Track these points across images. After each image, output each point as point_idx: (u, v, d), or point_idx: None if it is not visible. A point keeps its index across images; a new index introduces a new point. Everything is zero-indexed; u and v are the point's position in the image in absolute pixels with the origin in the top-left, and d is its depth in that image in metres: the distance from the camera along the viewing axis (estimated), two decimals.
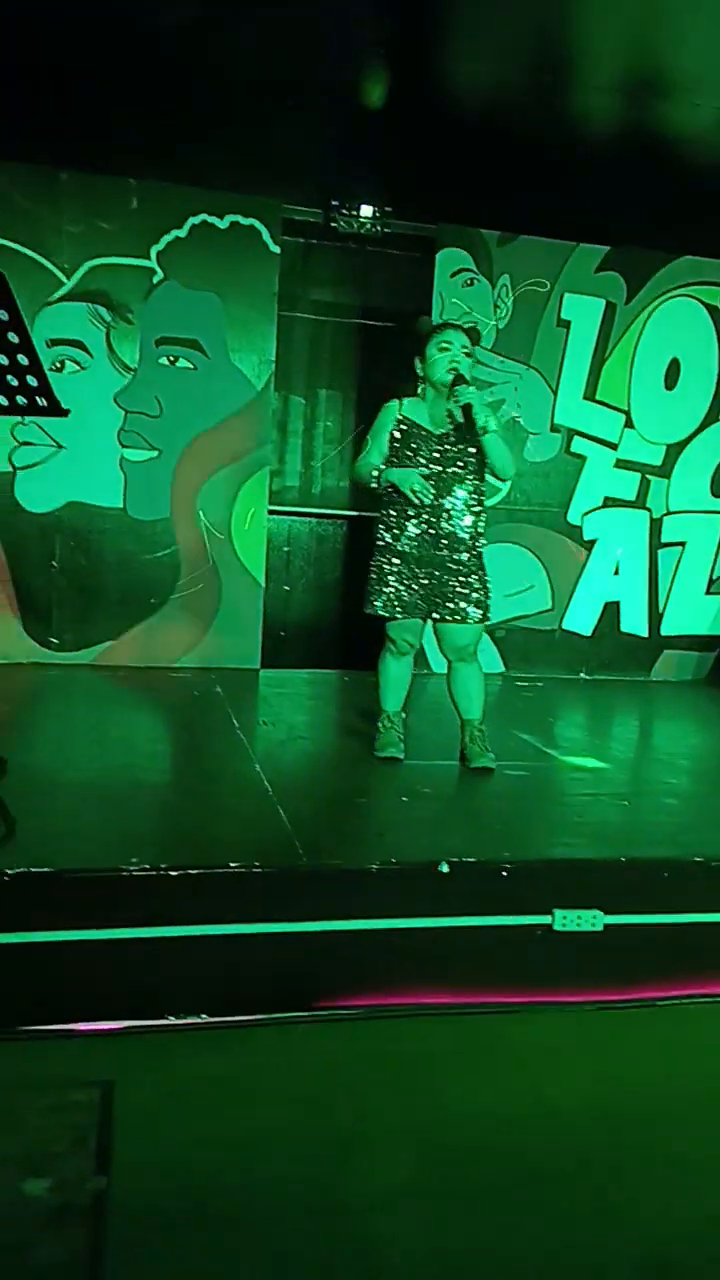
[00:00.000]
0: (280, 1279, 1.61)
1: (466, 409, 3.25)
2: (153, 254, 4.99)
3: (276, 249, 5.13)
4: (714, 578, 6.01)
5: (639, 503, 5.83)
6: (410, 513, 3.39)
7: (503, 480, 3.57)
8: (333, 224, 5.28)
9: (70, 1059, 2.17)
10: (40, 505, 5.00)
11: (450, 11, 3.57)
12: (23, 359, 2.47)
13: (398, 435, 3.41)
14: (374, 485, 3.46)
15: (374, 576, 3.47)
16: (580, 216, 5.28)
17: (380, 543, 3.48)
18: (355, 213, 5.21)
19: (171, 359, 5.10)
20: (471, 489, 3.41)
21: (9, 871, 2.27)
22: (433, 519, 3.38)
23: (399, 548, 3.42)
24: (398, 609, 3.43)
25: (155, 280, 5.01)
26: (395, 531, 3.43)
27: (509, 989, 2.54)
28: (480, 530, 3.46)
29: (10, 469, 4.94)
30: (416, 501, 3.32)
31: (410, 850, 2.68)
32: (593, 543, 5.80)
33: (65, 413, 2.60)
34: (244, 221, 5.07)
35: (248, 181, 4.98)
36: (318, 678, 5.50)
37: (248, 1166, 1.85)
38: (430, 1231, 1.73)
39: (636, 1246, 1.74)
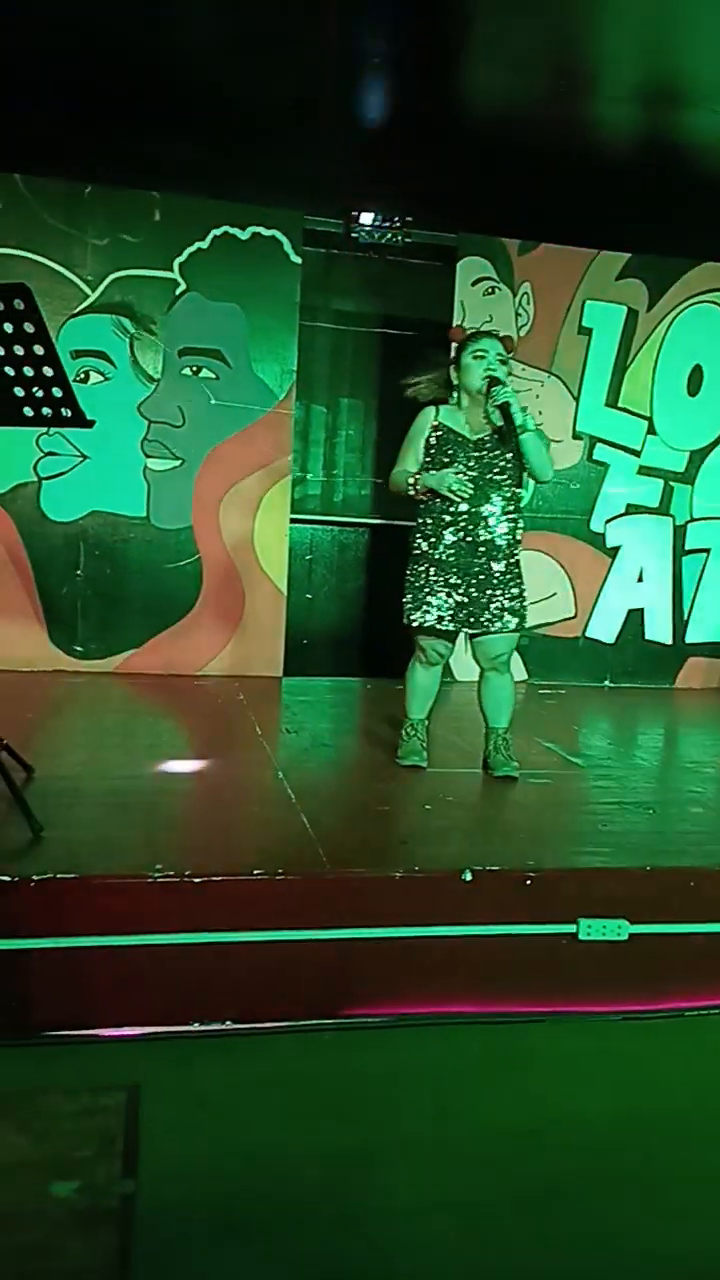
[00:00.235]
0: None
1: (504, 408, 3.24)
2: (175, 266, 5.04)
3: (298, 259, 5.16)
4: None
5: (662, 509, 5.81)
6: (447, 519, 3.35)
7: (541, 482, 3.55)
8: (353, 234, 5.31)
9: (97, 1064, 2.19)
10: (65, 514, 5.05)
11: (468, 24, 3.59)
12: (48, 371, 2.48)
13: (433, 441, 3.38)
14: (411, 493, 3.40)
15: (412, 590, 3.41)
16: (601, 224, 5.29)
17: (416, 551, 3.42)
18: (378, 224, 5.25)
19: (194, 369, 5.14)
20: (508, 495, 3.37)
21: (35, 878, 2.29)
22: (470, 526, 3.34)
23: (436, 555, 3.37)
24: (437, 624, 3.39)
25: (178, 291, 5.06)
26: (433, 540, 3.38)
27: (533, 998, 2.53)
28: (517, 539, 3.43)
29: (35, 479, 4.99)
30: (456, 499, 3.29)
31: (434, 858, 2.66)
32: (616, 550, 5.79)
33: (91, 424, 2.57)
34: (265, 233, 5.10)
35: (269, 194, 5.01)
36: (340, 685, 5.51)
37: (271, 1174, 1.85)
38: (453, 1243, 1.72)
39: (665, 1262, 1.72)
